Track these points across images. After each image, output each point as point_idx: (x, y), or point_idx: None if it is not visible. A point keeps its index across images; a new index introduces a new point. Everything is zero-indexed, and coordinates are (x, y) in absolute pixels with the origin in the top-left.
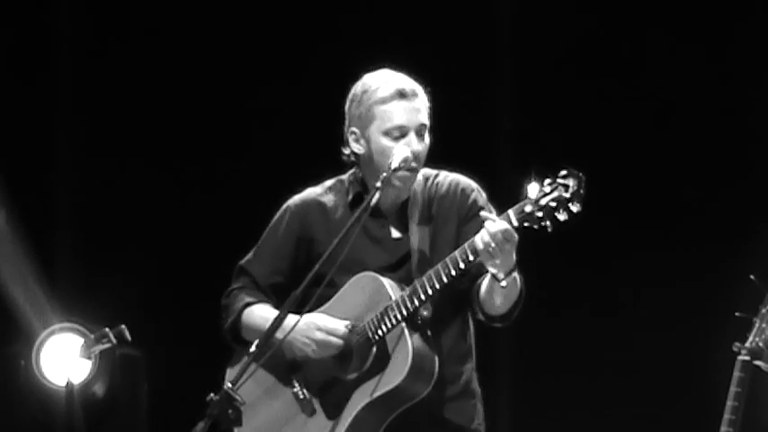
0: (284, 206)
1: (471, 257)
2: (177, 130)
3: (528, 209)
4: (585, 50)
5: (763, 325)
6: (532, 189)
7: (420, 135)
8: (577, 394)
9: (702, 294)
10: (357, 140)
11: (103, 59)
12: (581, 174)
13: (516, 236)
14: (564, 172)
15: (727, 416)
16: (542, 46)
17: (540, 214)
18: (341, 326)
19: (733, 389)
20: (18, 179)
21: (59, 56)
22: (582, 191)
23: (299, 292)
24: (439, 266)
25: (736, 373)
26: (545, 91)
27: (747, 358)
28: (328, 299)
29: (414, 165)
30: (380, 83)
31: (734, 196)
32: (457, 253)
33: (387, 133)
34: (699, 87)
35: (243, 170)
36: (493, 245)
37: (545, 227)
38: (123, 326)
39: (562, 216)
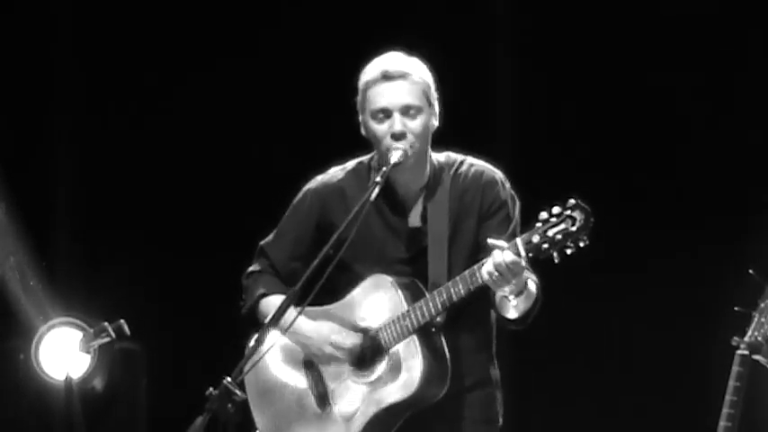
0: (305, 189)
1: (480, 281)
2: (177, 124)
3: (535, 239)
4: (585, 35)
5: (762, 319)
6: (541, 217)
7: (408, 115)
8: (577, 388)
9: (702, 289)
10: (362, 126)
11: (104, 53)
12: (589, 207)
13: (524, 264)
14: (572, 202)
15: (725, 410)
16: (543, 26)
17: (546, 246)
18: (350, 344)
19: (732, 383)
20: (18, 173)
21: (59, 48)
22: (589, 225)
23: (299, 287)
24: (450, 284)
25: (735, 368)
26: (545, 72)
27: (746, 352)
28: (343, 283)
29: (393, 144)
30: (371, 67)
31: (733, 192)
32: (467, 273)
33: (373, 116)
34: (698, 86)
35: (242, 166)
36: (497, 275)
37: (551, 257)
38: (122, 320)
39: (569, 250)
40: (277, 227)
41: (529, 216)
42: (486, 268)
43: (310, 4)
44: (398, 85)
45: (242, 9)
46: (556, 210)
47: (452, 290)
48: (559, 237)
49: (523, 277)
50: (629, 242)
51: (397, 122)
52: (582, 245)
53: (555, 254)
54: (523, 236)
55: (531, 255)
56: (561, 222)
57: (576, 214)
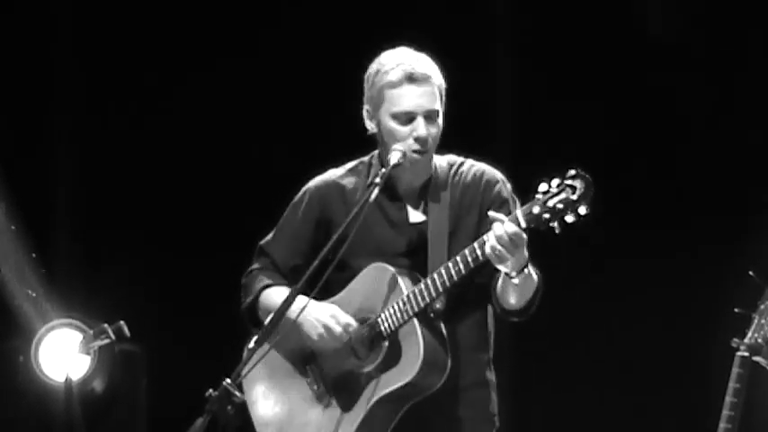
0: (304, 188)
1: (481, 257)
2: (177, 124)
3: (536, 210)
4: (585, 35)
5: (762, 321)
6: (540, 189)
7: (429, 119)
8: (576, 389)
9: (701, 290)
10: (370, 119)
11: (104, 53)
12: (588, 176)
13: (525, 237)
14: (572, 172)
15: (725, 411)
16: (543, 26)
17: (547, 216)
18: (351, 321)
19: (732, 385)
20: (17, 173)
21: (59, 48)
22: (590, 193)
23: (301, 285)
24: (450, 263)
25: (735, 369)
26: (545, 74)
27: (746, 354)
28: (342, 281)
29: (417, 148)
30: (393, 65)
31: (733, 192)
32: (467, 251)
33: (394, 117)
34: (698, 86)
35: (242, 167)
36: (499, 248)
37: (552, 228)
38: (122, 322)
39: (569, 218)
40: (276, 226)
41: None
42: (489, 242)
43: (310, 4)
44: (424, 90)
45: (242, 9)
46: (555, 181)
47: (452, 269)
48: (560, 206)
49: (525, 252)
50: (629, 242)
51: (422, 127)
52: (583, 212)
53: (556, 224)
54: (523, 207)
55: (532, 225)
56: (561, 192)
57: (577, 183)
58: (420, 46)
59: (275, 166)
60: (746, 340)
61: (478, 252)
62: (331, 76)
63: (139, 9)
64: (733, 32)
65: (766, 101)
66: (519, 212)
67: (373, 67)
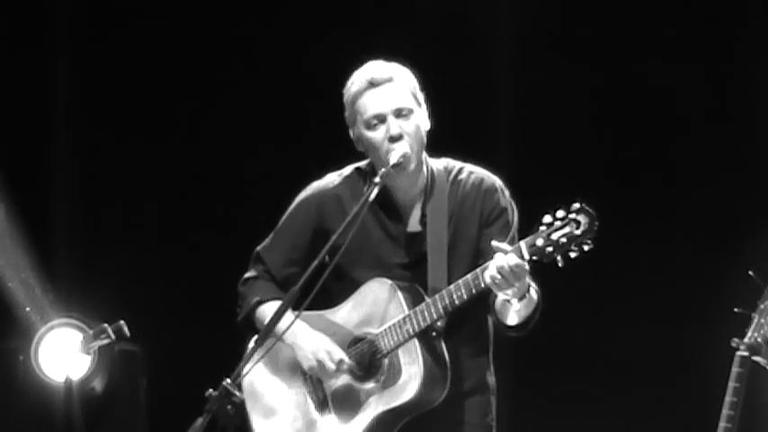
0: (301, 196)
1: (482, 284)
2: (177, 125)
3: (539, 242)
4: (583, 37)
5: (762, 320)
6: (544, 221)
7: (402, 117)
8: (575, 390)
9: (701, 290)
10: (357, 141)
11: (103, 47)
12: (593, 211)
13: (527, 268)
14: (576, 206)
15: (725, 411)
16: (541, 32)
17: (550, 249)
18: (345, 358)
19: (731, 384)
20: (17, 174)
21: (58, 47)
22: (593, 228)
23: (298, 287)
24: (452, 288)
25: (735, 369)
26: (544, 78)
27: (746, 354)
28: (341, 291)
29: (393, 147)
30: (354, 78)
31: (733, 192)
32: (469, 277)
33: (367, 125)
34: (697, 84)
35: (243, 168)
36: (500, 278)
37: (555, 261)
38: (122, 321)
39: (573, 253)
40: (273, 232)
41: (529, 223)
42: (490, 271)
43: (309, 6)
44: (386, 89)
45: (239, 11)
46: (560, 213)
47: (454, 294)
48: (563, 240)
49: (526, 281)
50: (629, 243)
51: (393, 125)
52: (586, 249)
53: (559, 257)
54: (527, 239)
55: (534, 258)
56: (565, 226)
57: (581, 218)
58: (419, 51)
59: (275, 171)
60: (746, 340)
61: (480, 279)
62: (330, 78)
63: (137, 10)
64: (734, 31)
65: (766, 103)
66: (522, 244)
67: (344, 92)
